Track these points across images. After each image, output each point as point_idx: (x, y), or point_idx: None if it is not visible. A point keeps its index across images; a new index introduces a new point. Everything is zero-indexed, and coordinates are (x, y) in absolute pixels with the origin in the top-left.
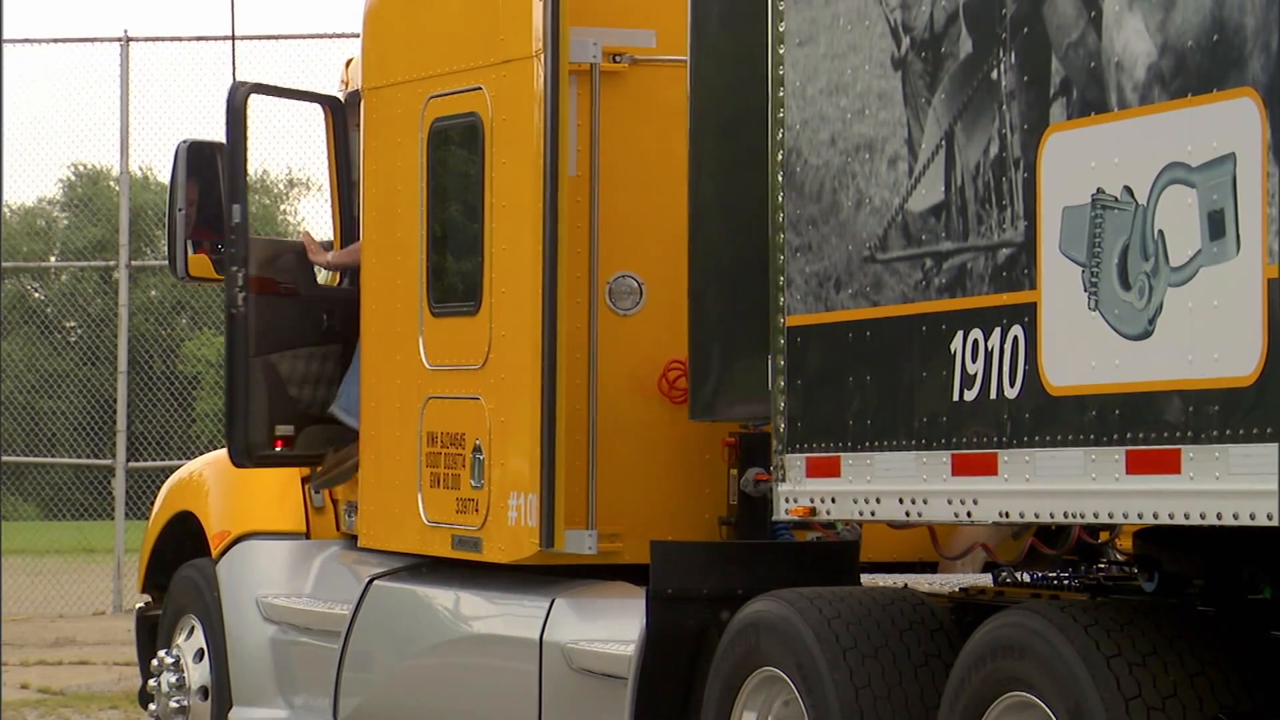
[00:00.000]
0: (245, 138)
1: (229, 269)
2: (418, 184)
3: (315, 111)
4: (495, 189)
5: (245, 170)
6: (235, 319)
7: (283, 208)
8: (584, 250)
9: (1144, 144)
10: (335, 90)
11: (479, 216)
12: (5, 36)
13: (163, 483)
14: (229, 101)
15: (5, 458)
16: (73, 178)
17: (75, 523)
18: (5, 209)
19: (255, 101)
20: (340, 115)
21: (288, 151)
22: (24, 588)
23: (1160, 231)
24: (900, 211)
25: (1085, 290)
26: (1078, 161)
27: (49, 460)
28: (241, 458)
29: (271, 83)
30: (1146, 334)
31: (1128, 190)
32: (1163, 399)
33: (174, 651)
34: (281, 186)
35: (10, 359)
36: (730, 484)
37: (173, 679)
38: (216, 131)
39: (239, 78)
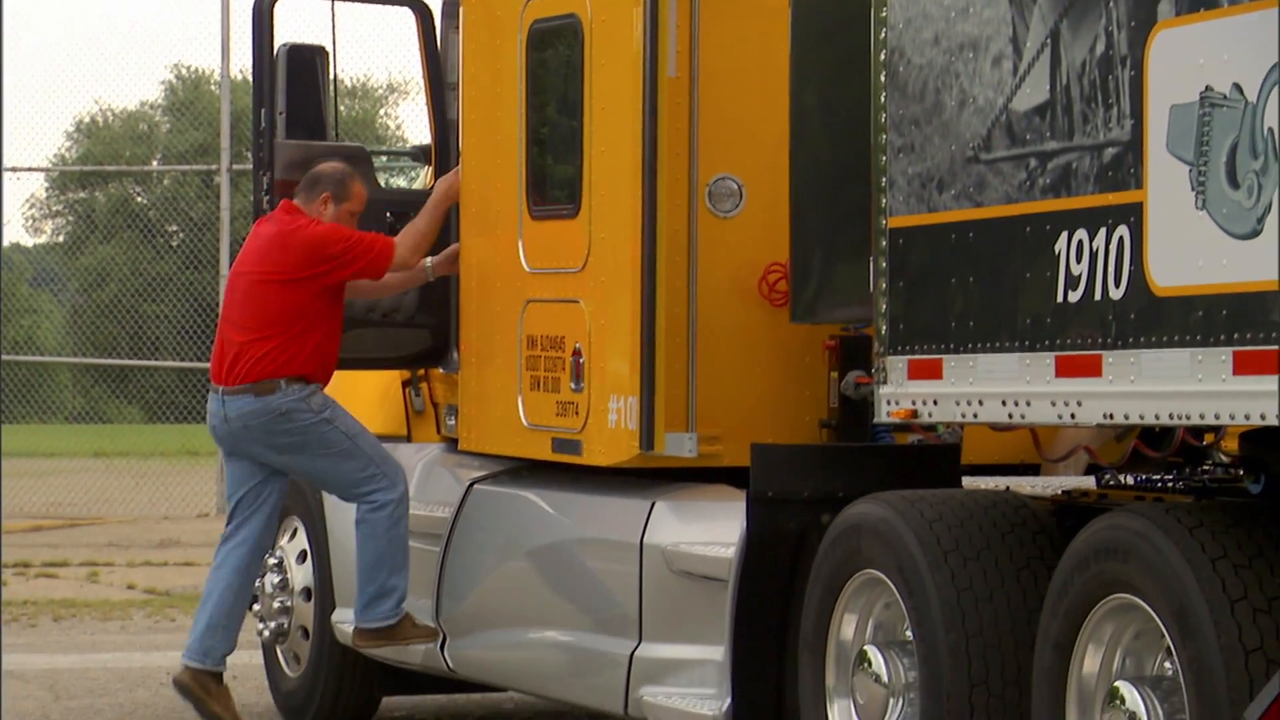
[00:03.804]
0: (271, 43)
1: (256, 173)
2: (517, 87)
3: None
4: (595, 91)
5: (274, 75)
6: None
7: (382, 112)
8: (683, 152)
9: (1253, 41)
10: None
11: (578, 118)
12: None
13: None
14: (255, 7)
15: (110, 361)
16: (174, 81)
17: (179, 425)
18: (109, 112)
19: (348, 8)
20: (429, 20)
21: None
22: (129, 490)
23: (1270, 129)
24: (1004, 111)
25: (1193, 189)
26: (1186, 59)
27: (153, 364)
28: None
29: None
30: (1255, 233)
31: (1237, 88)
32: (1271, 299)
33: (277, 553)
34: (381, 91)
35: (114, 263)
36: (830, 387)
37: (276, 580)
38: (319, 35)
39: None
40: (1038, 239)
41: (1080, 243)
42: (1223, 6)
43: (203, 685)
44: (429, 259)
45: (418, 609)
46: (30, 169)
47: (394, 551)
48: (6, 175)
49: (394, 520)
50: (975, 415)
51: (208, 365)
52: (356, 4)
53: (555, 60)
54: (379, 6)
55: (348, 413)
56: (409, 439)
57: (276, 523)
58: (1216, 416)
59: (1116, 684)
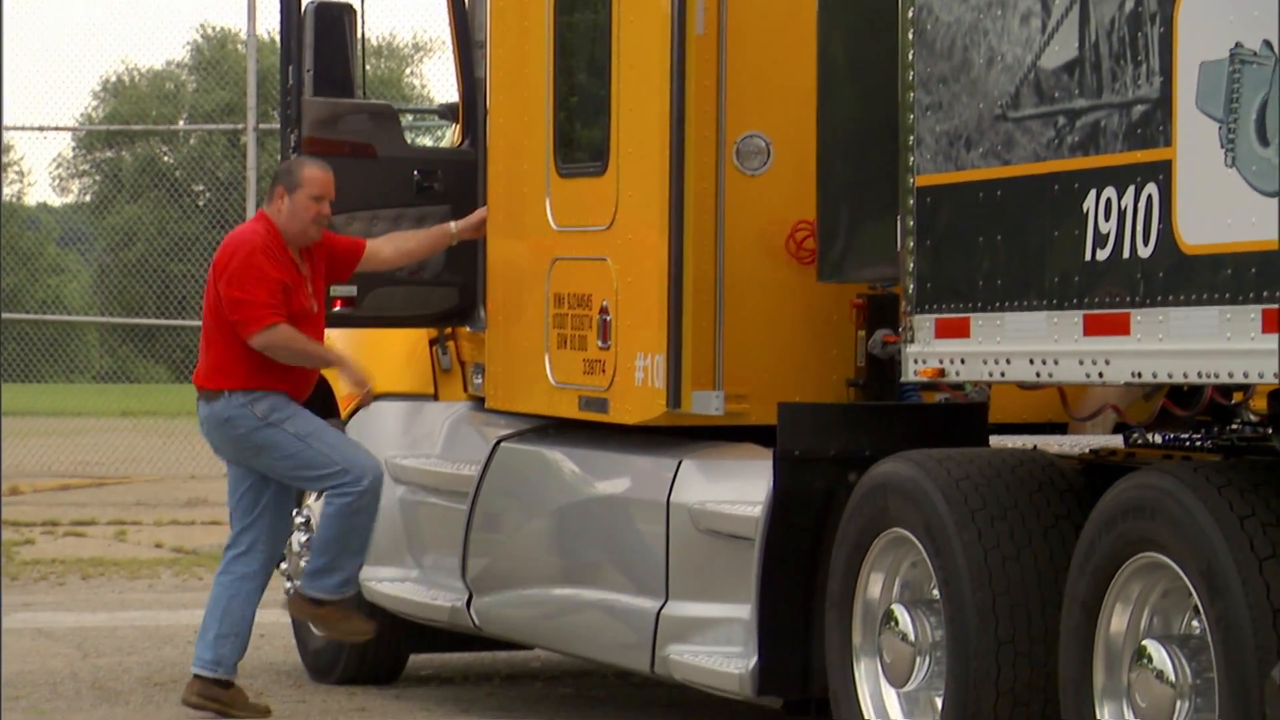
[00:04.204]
0: (299, 5)
1: (283, 132)
2: (545, 44)
3: None
4: (622, 48)
5: (302, 32)
6: None
7: (408, 70)
8: (711, 110)
9: None
10: None
11: (606, 76)
12: None
13: None
14: None
15: (137, 320)
16: (200, 40)
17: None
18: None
19: None
20: None
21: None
22: (156, 449)
23: None
24: (1033, 68)
25: (1222, 147)
26: (1215, 15)
27: (180, 323)
28: None
29: None
30: None
31: (1267, 44)
32: None
33: (304, 512)
34: (407, 50)
35: (141, 223)
36: (858, 345)
37: (303, 538)
38: None
39: None
40: (1066, 197)
41: (1109, 201)
42: None
43: (215, 697)
44: (454, 223)
45: (444, 568)
46: (57, 128)
47: (350, 535)
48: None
49: (354, 510)
50: (1003, 374)
51: None
52: None
53: (583, 18)
54: None
55: (305, 413)
56: (436, 397)
57: (286, 523)
58: (1245, 375)
59: (1144, 642)
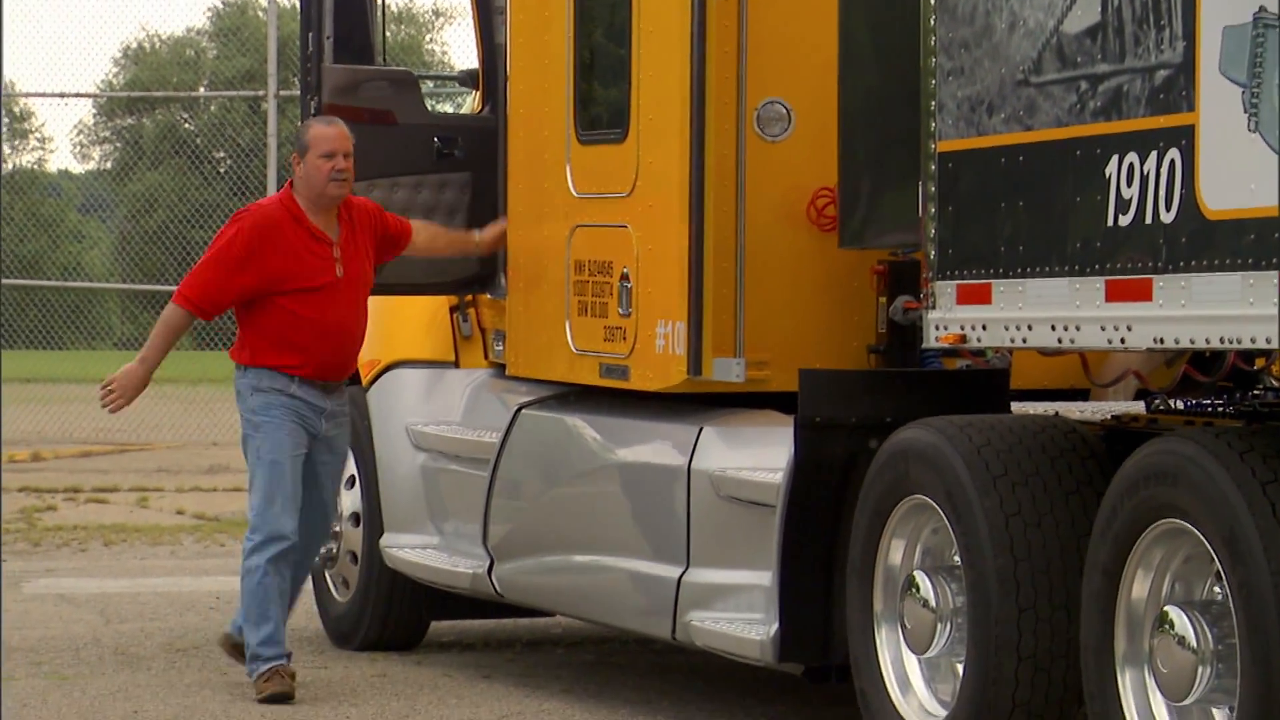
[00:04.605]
0: None
1: (303, 98)
2: (565, 10)
3: None
4: (643, 14)
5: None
6: None
7: (428, 37)
8: (732, 76)
9: None
10: None
11: (626, 42)
12: None
13: None
14: None
15: (158, 287)
16: (220, 6)
17: (227, 352)
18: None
19: None
20: None
21: None
22: (178, 415)
23: None
24: (1055, 33)
25: (1245, 111)
26: None
27: None
28: None
29: None
30: None
31: None
32: None
33: None
34: (427, 16)
35: (161, 190)
36: (879, 312)
37: None
38: None
39: None
40: (1088, 162)
41: (1131, 166)
42: None
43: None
44: (478, 232)
45: (466, 535)
46: (78, 94)
47: (243, 595)
48: (55, 102)
49: (244, 570)
50: (1024, 340)
51: None
52: None
53: None
54: None
55: (277, 435)
56: (456, 364)
57: (333, 499)
58: (1268, 340)
59: (1166, 608)
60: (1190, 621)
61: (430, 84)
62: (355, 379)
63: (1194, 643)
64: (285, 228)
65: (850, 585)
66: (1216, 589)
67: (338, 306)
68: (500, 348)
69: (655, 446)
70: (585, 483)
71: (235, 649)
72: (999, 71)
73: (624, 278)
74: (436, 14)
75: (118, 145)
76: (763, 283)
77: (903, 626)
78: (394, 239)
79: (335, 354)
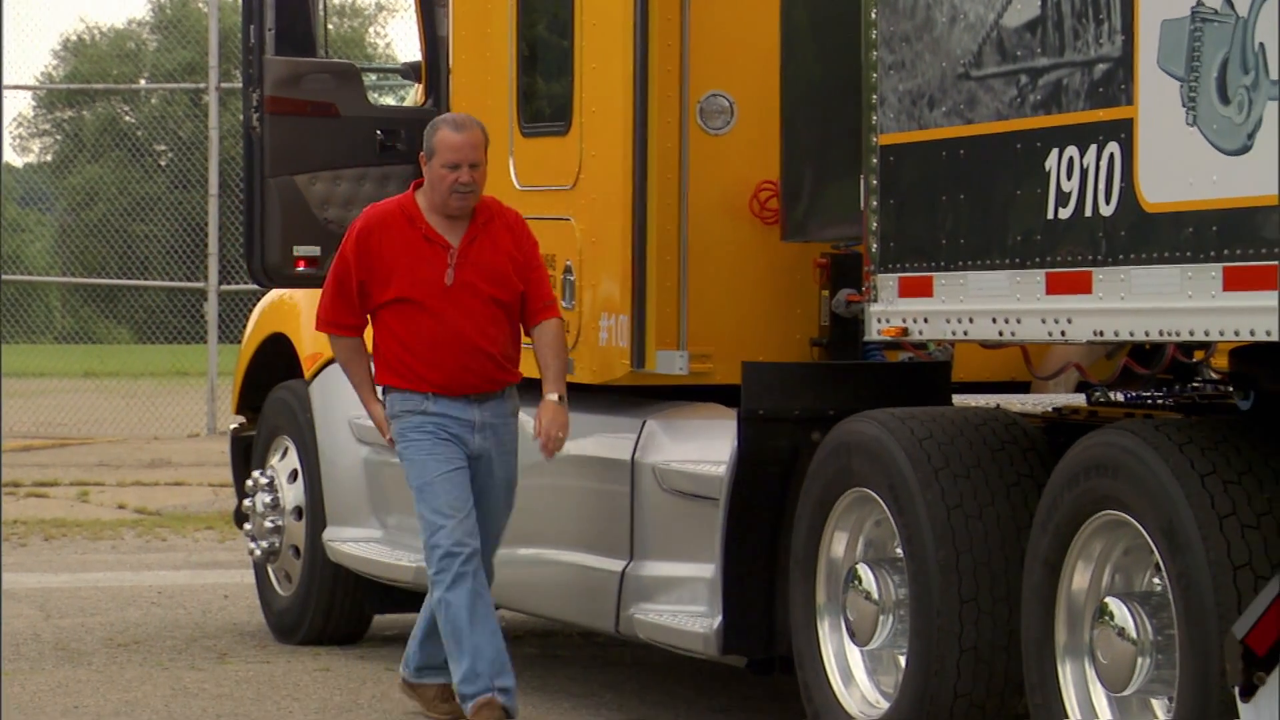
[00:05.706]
0: None
1: (245, 91)
2: (507, 3)
3: None
4: (585, 6)
5: None
6: (252, 139)
7: (372, 30)
8: (675, 69)
9: None
10: None
11: (569, 35)
12: None
13: (255, 306)
14: None
15: (99, 281)
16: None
17: (168, 346)
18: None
19: None
20: None
21: None
22: (119, 410)
23: (1261, 44)
24: (995, 27)
25: (1183, 105)
26: None
27: (142, 283)
28: (260, 277)
29: None
30: (1245, 149)
31: (1228, 3)
32: (1261, 215)
33: (268, 472)
34: (370, 9)
35: (102, 183)
36: (821, 305)
37: (267, 499)
38: None
39: None
40: (1028, 156)
41: (1071, 159)
42: None
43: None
44: (549, 395)
45: (408, 528)
46: (17, 87)
47: (442, 627)
48: None
49: (437, 602)
50: (966, 333)
51: (197, 285)
52: None
53: None
54: None
55: (417, 461)
56: None
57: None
58: (1206, 333)
59: (1106, 600)
60: (1130, 612)
61: (373, 76)
62: (298, 371)
63: (1134, 634)
64: (395, 228)
65: (793, 578)
66: (1156, 580)
67: (454, 315)
68: None
69: (599, 440)
70: (529, 476)
71: (407, 688)
72: (940, 65)
73: (567, 270)
74: (379, 6)
75: (58, 138)
76: (706, 276)
77: (845, 619)
78: (523, 271)
79: (461, 365)
